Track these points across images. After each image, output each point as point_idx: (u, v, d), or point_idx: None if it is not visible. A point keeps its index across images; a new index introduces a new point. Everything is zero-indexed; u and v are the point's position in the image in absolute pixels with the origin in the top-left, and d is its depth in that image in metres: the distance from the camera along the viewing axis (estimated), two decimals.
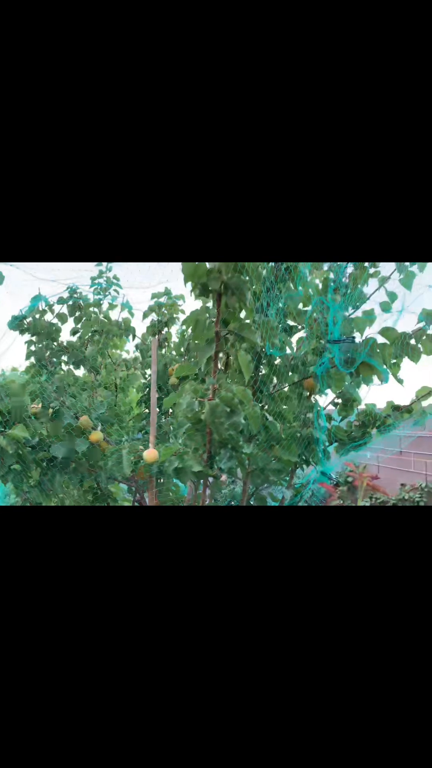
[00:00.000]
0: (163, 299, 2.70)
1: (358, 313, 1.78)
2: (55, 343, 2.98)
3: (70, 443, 1.72)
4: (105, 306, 3.11)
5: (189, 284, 1.26)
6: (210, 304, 1.33)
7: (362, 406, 2.10)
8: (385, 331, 1.71)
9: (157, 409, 1.75)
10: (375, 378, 1.69)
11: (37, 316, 2.99)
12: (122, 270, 2.68)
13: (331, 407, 2.09)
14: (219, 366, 1.38)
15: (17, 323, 2.96)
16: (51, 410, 1.86)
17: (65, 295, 3.09)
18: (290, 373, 1.77)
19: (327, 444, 1.77)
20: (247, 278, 1.24)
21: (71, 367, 2.89)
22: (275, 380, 1.78)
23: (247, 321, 1.44)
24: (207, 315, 1.31)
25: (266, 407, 1.73)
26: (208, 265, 1.23)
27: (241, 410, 1.33)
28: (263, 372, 1.64)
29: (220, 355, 1.37)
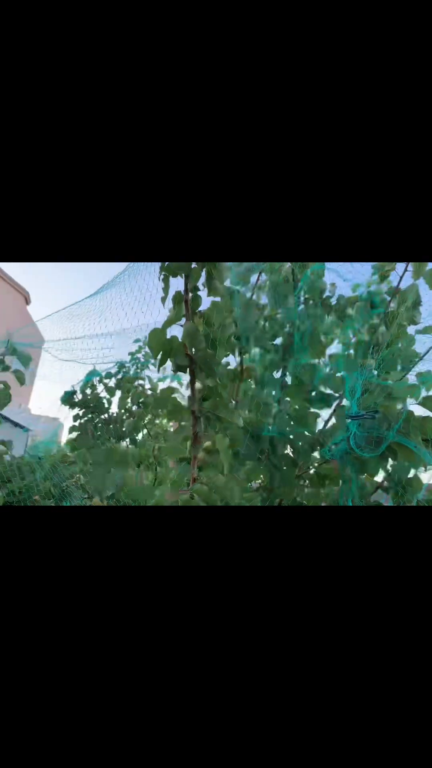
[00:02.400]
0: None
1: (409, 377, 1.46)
2: (102, 416, 3.02)
3: None
4: (154, 377, 3.14)
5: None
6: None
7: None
8: (427, 401, 1.36)
9: None
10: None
11: (88, 391, 3.11)
12: None
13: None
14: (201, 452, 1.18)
15: (68, 398, 3.10)
16: (61, 490, 1.81)
17: (113, 369, 3.19)
18: (315, 454, 1.48)
19: None
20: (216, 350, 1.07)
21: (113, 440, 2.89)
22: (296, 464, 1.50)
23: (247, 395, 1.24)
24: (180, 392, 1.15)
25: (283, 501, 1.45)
26: (178, 335, 1.10)
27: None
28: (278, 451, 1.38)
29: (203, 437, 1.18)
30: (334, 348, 1.95)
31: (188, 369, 1.13)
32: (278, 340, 1.59)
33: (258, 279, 1.48)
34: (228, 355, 1.17)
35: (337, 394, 1.63)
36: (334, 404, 1.58)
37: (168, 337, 1.12)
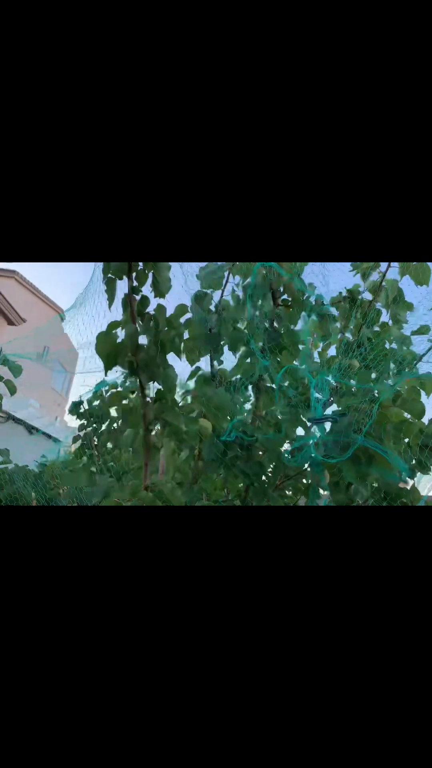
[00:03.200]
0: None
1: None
2: (101, 427, 3.05)
3: None
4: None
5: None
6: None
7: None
8: (405, 403, 1.25)
9: None
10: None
11: (96, 403, 3.15)
12: None
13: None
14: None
15: (74, 408, 3.16)
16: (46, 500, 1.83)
17: (120, 379, 3.23)
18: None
19: None
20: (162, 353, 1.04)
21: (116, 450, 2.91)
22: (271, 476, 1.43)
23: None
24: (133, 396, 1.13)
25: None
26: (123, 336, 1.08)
27: None
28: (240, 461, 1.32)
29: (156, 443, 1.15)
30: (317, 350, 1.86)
31: (136, 372, 1.10)
32: (256, 343, 1.54)
33: (226, 281, 1.44)
34: (181, 357, 1.14)
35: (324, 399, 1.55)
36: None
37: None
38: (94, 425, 3.07)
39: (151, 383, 1.15)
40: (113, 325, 1.08)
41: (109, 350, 1.08)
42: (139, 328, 1.04)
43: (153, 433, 1.15)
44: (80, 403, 3.14)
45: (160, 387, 1.07)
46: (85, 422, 3.04)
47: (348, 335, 1.60)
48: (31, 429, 7.27)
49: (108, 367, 1.10)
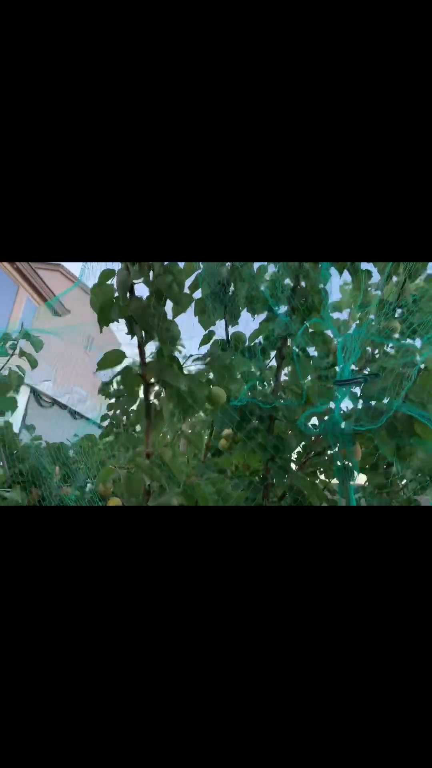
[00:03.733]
0: None
1: None
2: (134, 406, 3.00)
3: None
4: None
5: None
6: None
7: None
8: None
9: None
10: None
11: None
12: None
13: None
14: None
15: (104, 387, 3.14)
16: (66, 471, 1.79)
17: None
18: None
19: None
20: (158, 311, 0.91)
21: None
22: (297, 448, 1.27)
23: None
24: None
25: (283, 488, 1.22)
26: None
27: (173, 486, 0.93)
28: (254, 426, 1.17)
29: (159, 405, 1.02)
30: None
31: (133, 328, 0.98)
32: (277, 303, 1.37)
33: None
34: (184, 311, 1.00)
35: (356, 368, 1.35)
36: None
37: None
38: (124, 406, 3.03)
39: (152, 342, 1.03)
40: (106, 275, 0.96)
41: (102, 302, 0.97)
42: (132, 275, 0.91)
43: (153, 396, 1.03)
44: (110, 383, 3.11)
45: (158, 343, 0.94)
46: (114, 401, 3.01)
47: (380, 293, 1.39)
48: (74, 414, 7.51)
49: (104, 322, 0.99)
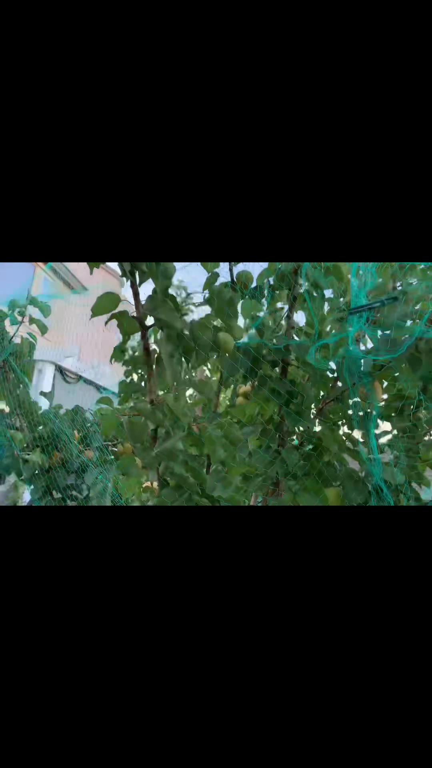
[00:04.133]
0: None
1: None
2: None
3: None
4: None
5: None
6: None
7: None
8: None
9: None
10: None
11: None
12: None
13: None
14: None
15: (117, 353, 3.12)
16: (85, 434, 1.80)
17: None
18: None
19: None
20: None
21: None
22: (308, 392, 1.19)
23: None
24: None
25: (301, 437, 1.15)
26: None
27: (178, 432, 0.88)
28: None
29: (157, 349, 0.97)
30: None
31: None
32: None
33: None
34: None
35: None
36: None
37: None
38: (140, 371, 3.01)
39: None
40: None
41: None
42: None
43: (151, 338, 0.97)
44: (124, 350, 3.08)
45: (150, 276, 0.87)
46: (131, 368, 2.99)
47: None
48: (99, 388, 7.64)
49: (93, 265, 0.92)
